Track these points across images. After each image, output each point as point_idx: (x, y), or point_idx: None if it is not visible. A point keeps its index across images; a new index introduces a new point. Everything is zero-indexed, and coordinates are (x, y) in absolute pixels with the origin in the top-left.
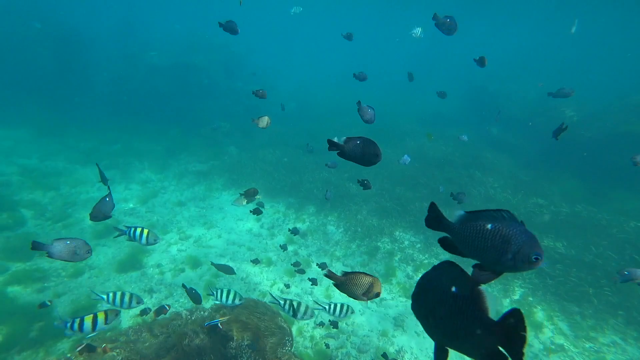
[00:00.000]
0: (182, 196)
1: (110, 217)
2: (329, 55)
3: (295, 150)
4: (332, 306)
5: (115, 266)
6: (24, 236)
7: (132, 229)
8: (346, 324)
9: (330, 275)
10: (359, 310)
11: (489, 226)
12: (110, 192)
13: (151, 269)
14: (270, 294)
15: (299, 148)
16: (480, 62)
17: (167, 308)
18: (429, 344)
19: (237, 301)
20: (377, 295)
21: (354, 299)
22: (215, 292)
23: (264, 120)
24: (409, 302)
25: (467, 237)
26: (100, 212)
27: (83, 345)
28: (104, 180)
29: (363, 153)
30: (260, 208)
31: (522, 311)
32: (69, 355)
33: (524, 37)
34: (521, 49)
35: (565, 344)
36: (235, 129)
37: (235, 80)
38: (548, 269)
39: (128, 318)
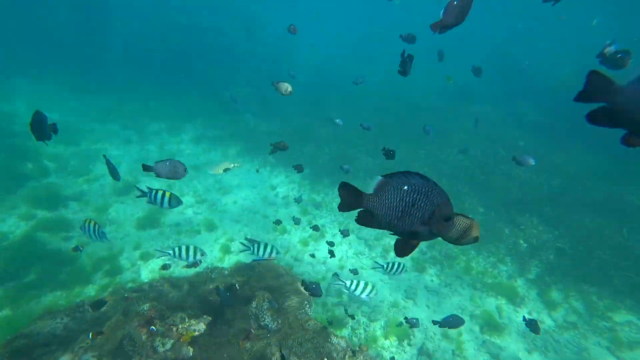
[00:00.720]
0: (198, 161)
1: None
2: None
3: (312, 121)
4: (390, 265)
5: (134, 223)
6: (49, 186)
7: (154, 192)
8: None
9: None
10: (371, 282)
11: None
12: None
13: (168, 228)
14: (336, 274)
15: (317, 119)
16: None
17: (199, 262)
18: (439, 316)
19: (274, 254)
20: (475, 239)
21: (449, 242)
22: (251, 246)
23: (284, 86)
24: (421, 276)
25: None
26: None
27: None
28: (114, 174)
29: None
30: (301, 165)
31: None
32: (104, 295)
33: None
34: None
35: (578, 322)
36: (253, 96)
37: (256, 44)
38: (570, 250)
39: (147, 272)
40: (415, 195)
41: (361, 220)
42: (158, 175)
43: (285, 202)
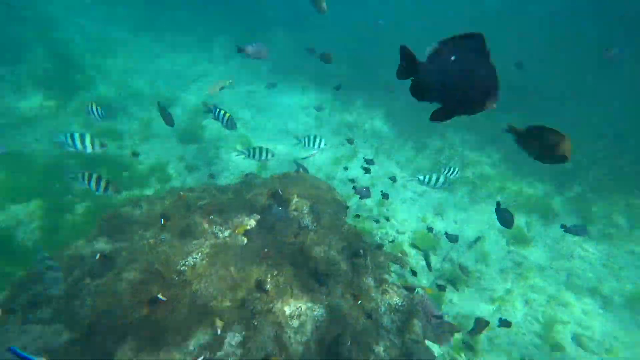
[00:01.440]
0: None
1: None
2: None
3: (346, 37)
4: (448, 168)
5: (176, 137)
6: (99, 98)
7: (218, 110)
8: (387, 209)
9: (510, 128)
10: (401, 199)
11: None
12: None
13: (207, 143)
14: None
15: (353, 35)
16: None
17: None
18: (466, 231)
19: (322, 145)
20: (563, 158)
21: (534, 158)
22: (302, 139)
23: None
24: (451, 195)
25: None
26: None
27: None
28: (168, 121)
29: None
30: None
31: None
32: (162, 194)
33: None
34: None
35: (616, 233)
36: (283, 14)
37: None
38: (628, 168)
39: (194, 180)
40: (459, 66)
41: (412, 90)
42: (247, 55)
43: (318, 124)
